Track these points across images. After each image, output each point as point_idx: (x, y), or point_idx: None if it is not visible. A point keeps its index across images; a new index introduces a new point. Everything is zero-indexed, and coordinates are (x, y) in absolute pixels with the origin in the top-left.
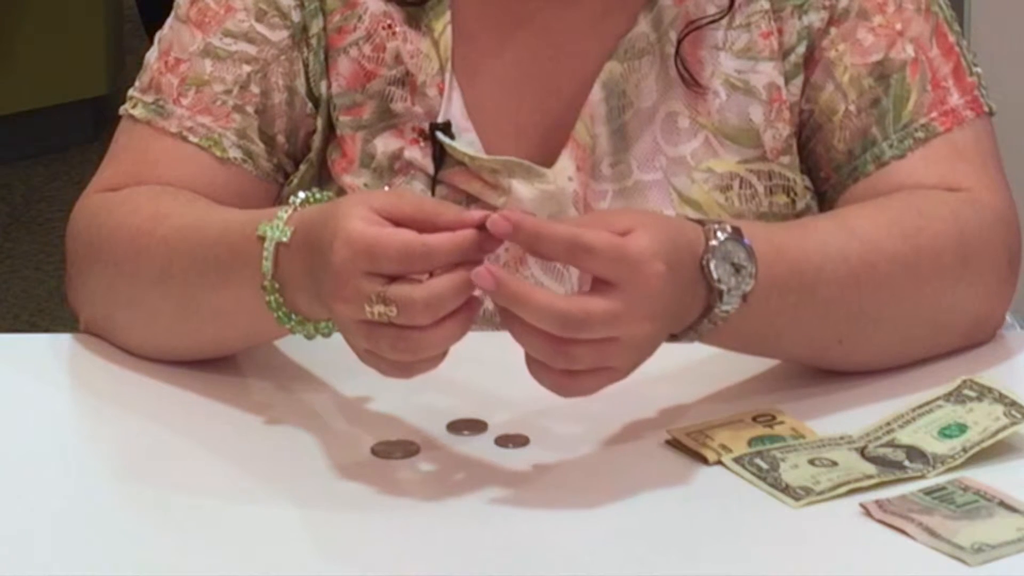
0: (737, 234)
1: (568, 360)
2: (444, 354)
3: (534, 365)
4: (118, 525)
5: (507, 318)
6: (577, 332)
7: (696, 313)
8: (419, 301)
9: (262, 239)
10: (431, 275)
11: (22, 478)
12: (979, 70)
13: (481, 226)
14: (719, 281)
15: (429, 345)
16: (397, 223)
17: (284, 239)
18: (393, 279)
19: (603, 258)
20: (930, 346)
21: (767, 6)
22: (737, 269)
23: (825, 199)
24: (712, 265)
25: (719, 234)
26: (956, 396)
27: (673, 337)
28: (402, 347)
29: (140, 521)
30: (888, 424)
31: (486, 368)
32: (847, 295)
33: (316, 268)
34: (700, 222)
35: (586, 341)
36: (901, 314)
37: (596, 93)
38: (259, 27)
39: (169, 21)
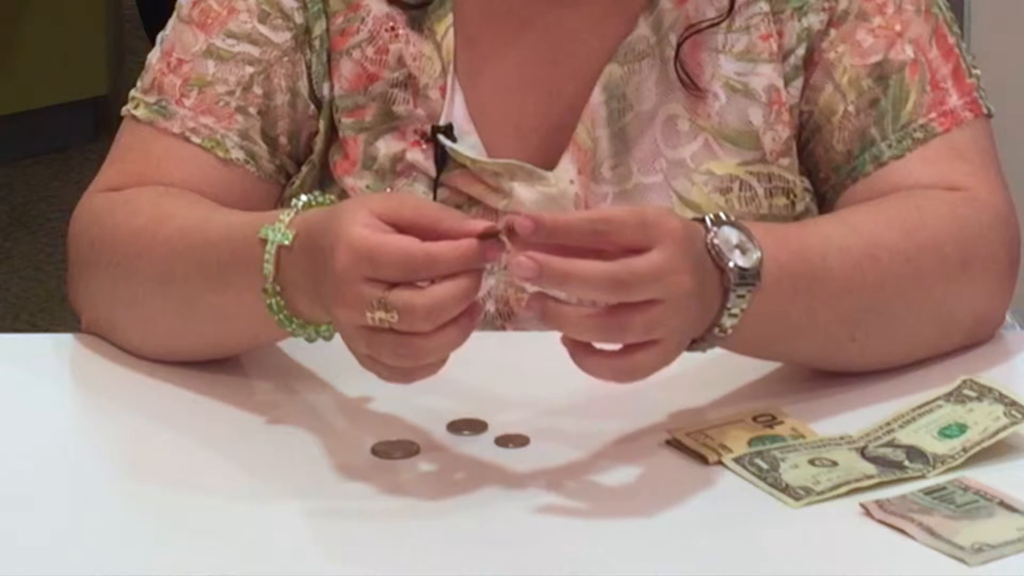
0: (726, 219)
1: (620, 331)
2: (444, 360)
3: (583, 356)
4: (118, 525)
5: (548, 310)
6: (627, 291)
7: (715, 305)
8: (420, 308)
9: (264, 242)
10: (432, 280)
11: (22, 478)
12: (978, 72)
13: (483, 235)
14: (728, 261)
15: (429, 351)
16: (399, 228)
17: (286, 242)
18: (394, 285)
19: (628, 224)
20: (936, 345)
21: (767, 8)
22: (743, 250)
23: (825, 200)
24: (719, 251)
25: (712, 224)
26: (956, 396)
27: (694, 342)
28: (402, 353)
29: (140, 521)
30: (888, 424)
31: (486, 368)
32: (854, 288)
33: (317, 272)
34: (695, 220)
35: (631, 307)
36: (907, 311)
37: (597, 96)
38: (262, 28)
39: (171, 22)
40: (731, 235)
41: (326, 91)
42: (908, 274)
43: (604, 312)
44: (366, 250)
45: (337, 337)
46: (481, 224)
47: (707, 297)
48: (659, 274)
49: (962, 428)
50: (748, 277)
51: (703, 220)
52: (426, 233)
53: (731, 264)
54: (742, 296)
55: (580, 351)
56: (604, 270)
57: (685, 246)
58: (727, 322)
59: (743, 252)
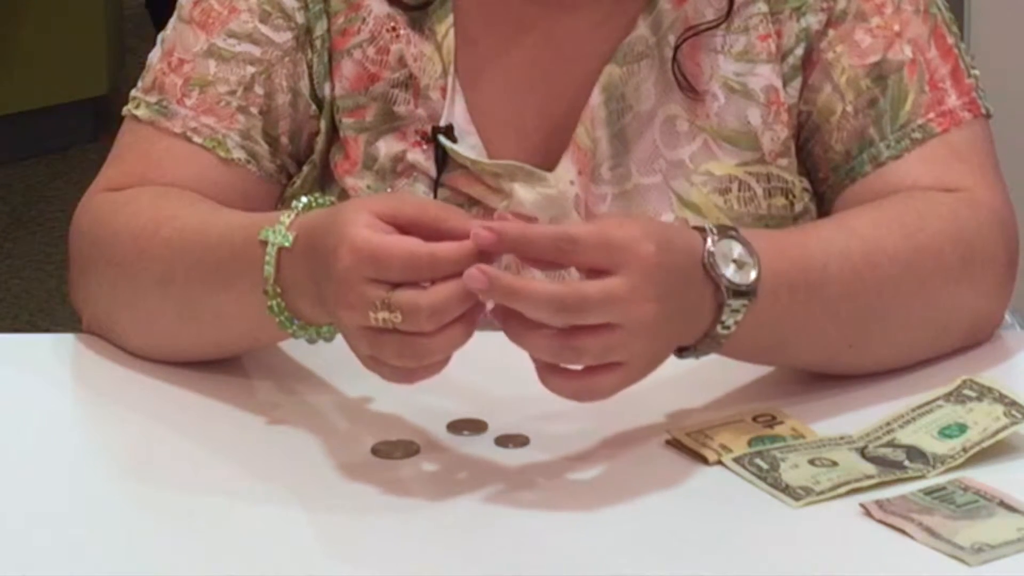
0: (732, 232)
1: (574, 353)
2: (447, 360)
3: (546, 374)
4: (118, 525)
5: (508, 324)
6: (575, 316)
7: (707, 318)
8: (424, 308)
9: (264, 244)
10: (433, 280)
11: (23, 478)
12: (977, 72)
13: None
14: (723, 277)
15: (433, 351)
16: (400, 228)
17: (287, 244)
18: (396, 285)
19: (590, 247)
20: (934, 347)
21: (765, 9)
22: (740, 265)
23: (823, 200)
24: (714, 263)
25: (714, 234)
26: (956, 396)
27: (686, 350)
28: (406, 353)
29: (140, 521)
30: (888, 424)
31: (486, 368)
32: (854, 294)
33: (319, 274)
34: (697, 229)
35: (589, 330)
36: (906, 315)
37: (596, 96)
38: (263, 28)
39: (172, 22)
40: (732, 248)
41: (327, 91)
42: (907, 278)
43: (560, 333)
44: (369, 251)
45: (338, 337)
46: (482, 226)
47: (693, 312)
48: (613, 300)
49: (962, 428)
50: (743, 294)
51: (703, 229)
52: (428, 233)
53: (725, 281)
54: (737, 310)
55: (543, 368)
56: (551, 291)
57: (653, 273)
58: (721, 333)
59: (739, 267)
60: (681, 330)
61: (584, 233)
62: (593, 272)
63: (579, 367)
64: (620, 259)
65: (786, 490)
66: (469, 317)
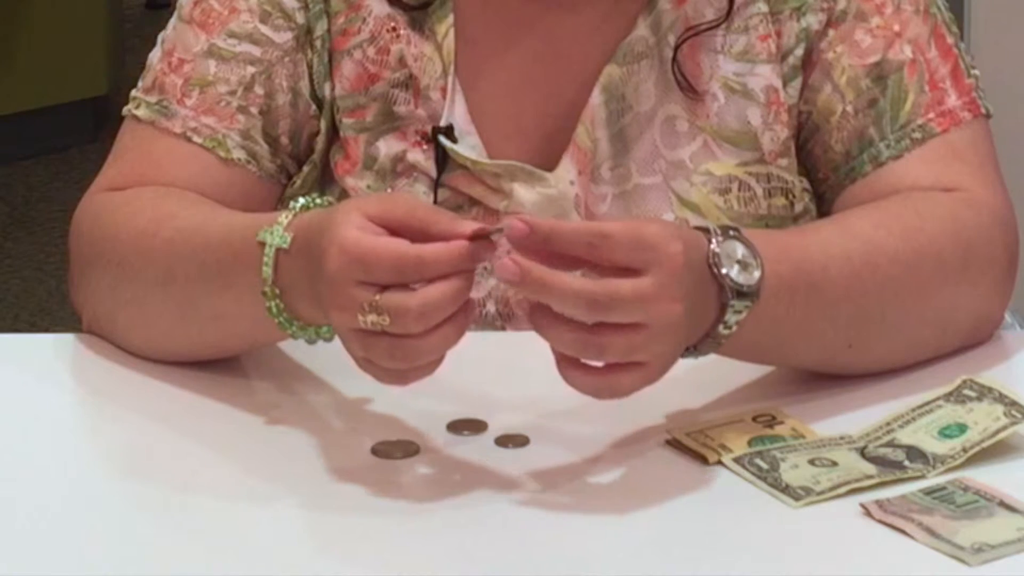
0: (735, 233)
1: (598, 350)
2: (440, 360)
3: (567, 368)
4: (118, 525)
5: (535, 316)
6: (606, 313)
7: (711, 317)
8: (412, 310)
9: (262, 245)
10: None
11: (23, 478)
12: (977, 72)
13: (474, 236)
14: (728, 277)
15: (424, 352)
16: (392, 230)
17: (284, 245)
18: (387, 287)
19: (623, 243)
20: (935, 347)
21: (765, 9)
22: (744, 266)
23: (823, 200)
24: (719, 263)
25: (718, 234)
26: (956, 396)
27: (691, 351)
28: (396, 355)
29: (140, 521)
30: (888, 424)
31: (486, 368)
32: (853, 296)
33: (314, 275)
34: (700, 229)
35: (615, 328)
36: (906, 316)
37: (596, 97)
38: (263, 28)
39: (172, 21)
40: (735, 249)
41: (327, 91)
42: (907, 279)
43: (586, 328)
44: (357, 253)
45: (337, 337)
46: (472, 225)
47: (701, 312)
48: (644, 300)
49: (962, 428)
50: (746, 295)
51: (707, 229)
52: (419, 235)
53: (729, 282)
54: (739, 311)
55: (564, 362)
56: (583, 288)
57: (681, 273)
58: (723, 333)
59: (744, 268)
60: (690, 333)
61: (617, 229)
62: (618, 270)
63: (599, 363)
64: (651, 257)
65: (786, 490)
66: (460, 316)
